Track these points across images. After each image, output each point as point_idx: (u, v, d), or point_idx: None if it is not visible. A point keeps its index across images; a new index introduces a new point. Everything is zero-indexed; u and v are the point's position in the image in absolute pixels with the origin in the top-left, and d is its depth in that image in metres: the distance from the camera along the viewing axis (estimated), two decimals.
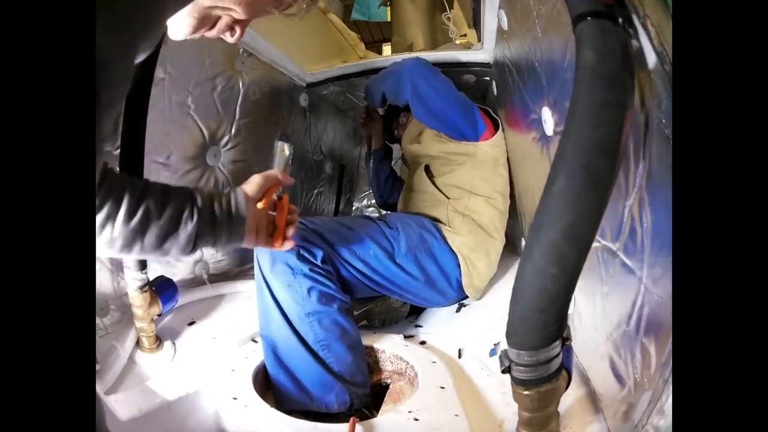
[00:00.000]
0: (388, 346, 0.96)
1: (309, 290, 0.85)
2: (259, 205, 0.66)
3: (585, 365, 0.72)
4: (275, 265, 0.86)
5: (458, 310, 1.15)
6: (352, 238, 0.96)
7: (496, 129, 1.22)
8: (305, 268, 0.86)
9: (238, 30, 0.59)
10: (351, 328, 0.90)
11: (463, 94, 1.19)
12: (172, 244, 0.57)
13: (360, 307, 1.09)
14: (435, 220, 1.12)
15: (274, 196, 0.70)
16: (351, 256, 0.95)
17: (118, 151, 0.81)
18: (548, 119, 0.80)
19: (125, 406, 0.69)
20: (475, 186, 1.15)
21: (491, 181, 1.17)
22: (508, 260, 1.47)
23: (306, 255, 0.87)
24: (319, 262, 0.88)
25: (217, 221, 0.60)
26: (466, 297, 1.17)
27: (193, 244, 0.59)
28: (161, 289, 0.88)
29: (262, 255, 0.88)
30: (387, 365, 0.96)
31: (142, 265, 0.81)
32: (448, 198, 1.15)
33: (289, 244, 0.71)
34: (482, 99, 1.91)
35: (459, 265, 1.06)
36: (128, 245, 0.53)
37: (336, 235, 0.94)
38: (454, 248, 1.06)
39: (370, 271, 0.97)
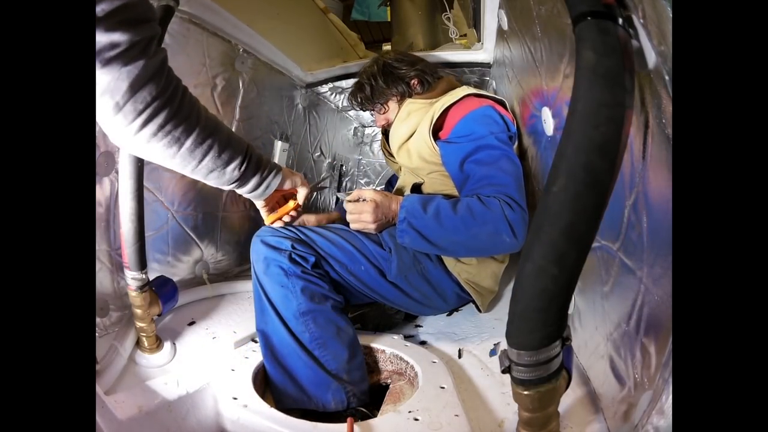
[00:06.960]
0: (388, 346, 0.96)
1: (302, 290, 0.86)
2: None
3: (585, 365, 0.72)
4: (269, 267, 0.87)
5: (449, 314, 1.15)
6: (345, 253, 0.95)
7: None
8: (297, 270, 0.87)
9: None
10: (346, 326, 0.91)
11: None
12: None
13: (354, 311, 1.09)
14: None
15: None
16: (342, 269, 0.95)
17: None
18: (548, 119, 0.80)
19: (125, 406, 0.69)
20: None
21: None
22: (509, 262, 1.47)
23: (298, 259, 0.89)
24: (310, 267, 0.89)
25: (262, 163, 0.78)
26: (463, 305, 1.17)
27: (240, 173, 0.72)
28: (161, 289, 0.88)
29: (256, 258, 0.90)
30: (387, 365, 0.96)
31: (142, 265, 0.81)
32: None
33: (275, 224, 0.94)
34: None
35: (456, 283, 1.04)
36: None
37: (328, 247, 0.94)
38: (453, 273, 1.03)
39: (361, 285, 0.97)
